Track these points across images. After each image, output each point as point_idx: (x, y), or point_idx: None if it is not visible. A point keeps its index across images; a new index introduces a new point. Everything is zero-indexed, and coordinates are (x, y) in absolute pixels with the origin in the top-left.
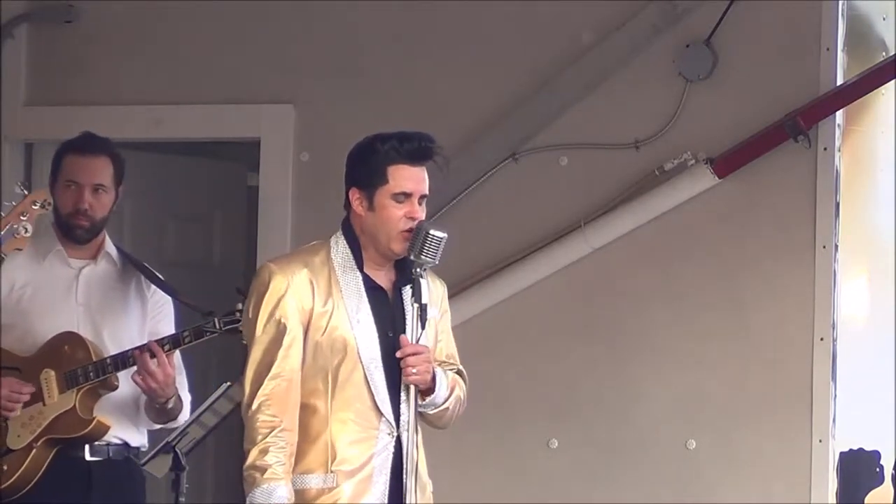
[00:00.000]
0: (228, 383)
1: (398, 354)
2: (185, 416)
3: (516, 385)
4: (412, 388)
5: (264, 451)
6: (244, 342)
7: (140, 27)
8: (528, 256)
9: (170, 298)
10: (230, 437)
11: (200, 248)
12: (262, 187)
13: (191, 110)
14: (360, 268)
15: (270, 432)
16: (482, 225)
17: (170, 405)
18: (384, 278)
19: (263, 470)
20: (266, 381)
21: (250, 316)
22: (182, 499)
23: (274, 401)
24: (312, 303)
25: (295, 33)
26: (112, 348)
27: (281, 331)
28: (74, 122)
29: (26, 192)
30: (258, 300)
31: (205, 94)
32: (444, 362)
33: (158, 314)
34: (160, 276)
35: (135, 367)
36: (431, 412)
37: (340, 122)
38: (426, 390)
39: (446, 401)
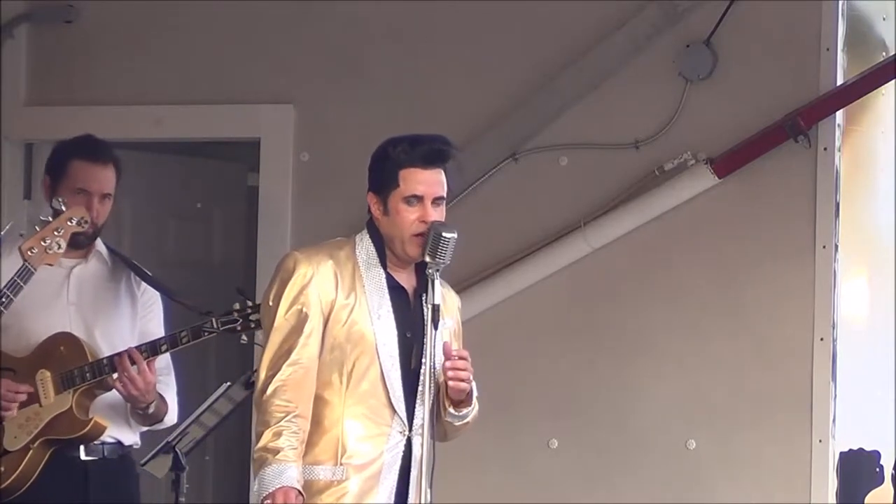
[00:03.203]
0: (228, 383)
1: (454, 353)
2: (171, 418)
3: (516, 385)
4: (426, 392)
5: (278, 435)
6: (243, 341)
7: (140, 27)
8: (528, 256)
9: (159, 298)
10: (230, 437)
11: (200, 248)
12: (262, 187)
13: (191, 110)
14: (384, 266)
15: (285, 416)
16: (482, 225)
17: (150, 410)
18: (406, 280)
19: (276, 452)
20: (284, 367)
21: (271, 302)
22: (182, 499)
23: (290, 386)
24: (335, 294)
25: (295, 33)
26: (104, 347)
27: (302, 319)
28: (74, 122)
29: (64, 209)
30: (281, 287)
31: (205, 94)
32: None
33: (148, 314)
34: (150, 274)
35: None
36: (458, 424)
37: (340, 122)
38: (462, 402)
39: (472, 414)
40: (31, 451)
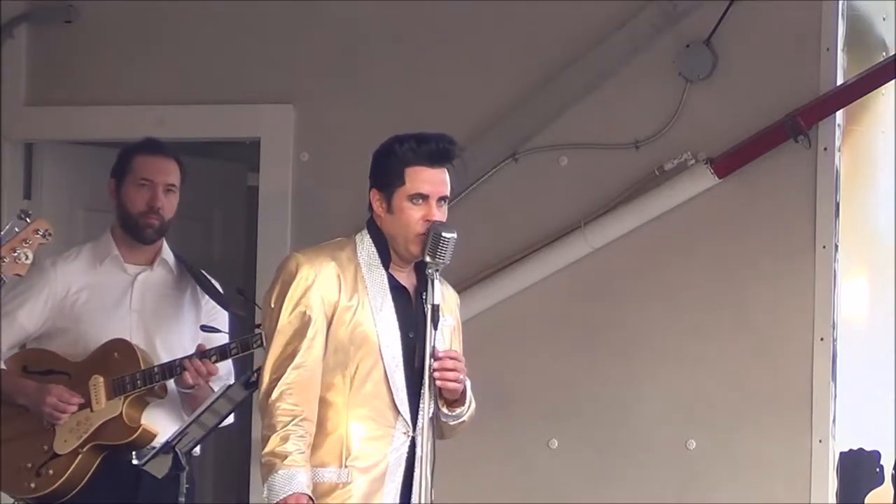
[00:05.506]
0: (229, 383)
1: (441, 354)
2: (227, 420)
3: (516, 385)
4: (426, 392)
5: (285, 439)
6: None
7: (140, 27)
8: (528, 256)
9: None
10: (230, 437)
11: (200, 248)
12: (262, 187)
13: (191, 110)
14: (386, 266)
15: (291, 420)
16: (482, 225)
17: None
18: (406, 280)
19: (284, 456)
20: (289, 371)
21: (273, 305)
22: (182, 499)
23: (296, 390)
24: (338, 296)
25: (295, 33)
26: (164, 355)
27: (306, 322)
28: (74, 122)
29: (28, 220)
30: (283, 289)
31: (205, 94)
32: None
33: (212, 322)
34: (215, 285)
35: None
36: (453, 423)
37: (340, 122)
38: (455, 401)
39: (467, 413)
40: (80, 456)
